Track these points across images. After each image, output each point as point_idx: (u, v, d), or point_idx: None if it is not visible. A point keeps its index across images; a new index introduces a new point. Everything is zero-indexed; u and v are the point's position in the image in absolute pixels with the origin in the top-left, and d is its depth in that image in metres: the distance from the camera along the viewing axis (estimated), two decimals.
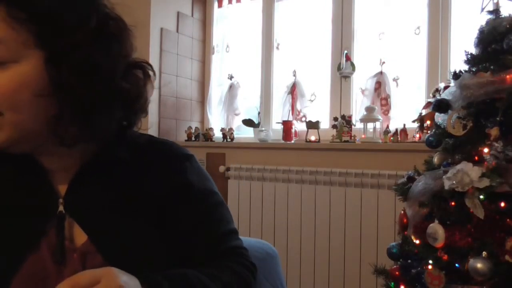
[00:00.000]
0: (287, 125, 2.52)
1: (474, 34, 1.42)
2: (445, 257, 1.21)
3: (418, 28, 2.24)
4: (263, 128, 2.67)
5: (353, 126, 2.29)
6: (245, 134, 2.82)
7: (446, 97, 1.41)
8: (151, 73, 0.70)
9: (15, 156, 0.66)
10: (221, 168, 2.60)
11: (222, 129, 2.77)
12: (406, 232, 1.40)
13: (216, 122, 2.93)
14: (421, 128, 2.05)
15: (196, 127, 2.86)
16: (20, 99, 0.56)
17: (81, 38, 0.57)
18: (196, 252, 0.73)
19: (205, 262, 0.72)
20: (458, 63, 1.51)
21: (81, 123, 0.61)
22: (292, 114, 2.57)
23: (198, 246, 0.73)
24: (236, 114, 2.87)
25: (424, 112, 2.06)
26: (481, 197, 1.17)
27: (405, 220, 1.40)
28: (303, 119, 2.54)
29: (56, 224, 0.66)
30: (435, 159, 1.42)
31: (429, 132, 1.55)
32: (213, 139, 2.77)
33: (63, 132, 0.60)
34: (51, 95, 0.58)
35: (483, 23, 1.40)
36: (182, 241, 0.72)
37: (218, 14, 3.03)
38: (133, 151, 0.73)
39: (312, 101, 2.60)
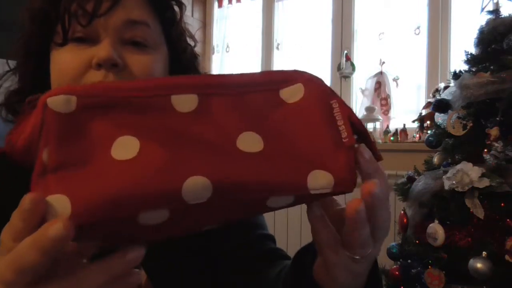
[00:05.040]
0: None
1: (474, 34, 1.42)
2: (445, 257, 1.21)
3: (418, 28, 2.24)
4: None
5: None
6: None
7: (446, 97, 1.41)
8: None
9: None
10: None
11: None
12: (406, 232, 1.40)
13: None
14: (421, 128, 2.05)
15: None
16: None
17: (183, 33, 0.67)
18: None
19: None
20: (458, 63, 1.51)
21: None
22: None
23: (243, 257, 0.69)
24: None
25: (424, 112, 2.06)
26: (481, 197, 1.17)
27: (405, 220, 1.40)
28: None
29: None
30: (435, 159, 1.42)
31: (429, 132, 1.55)
32: None
33: None
34: None
35: (483, 23, 1.40)
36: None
37: (218, 14, 3.02)
38: None
39: None
